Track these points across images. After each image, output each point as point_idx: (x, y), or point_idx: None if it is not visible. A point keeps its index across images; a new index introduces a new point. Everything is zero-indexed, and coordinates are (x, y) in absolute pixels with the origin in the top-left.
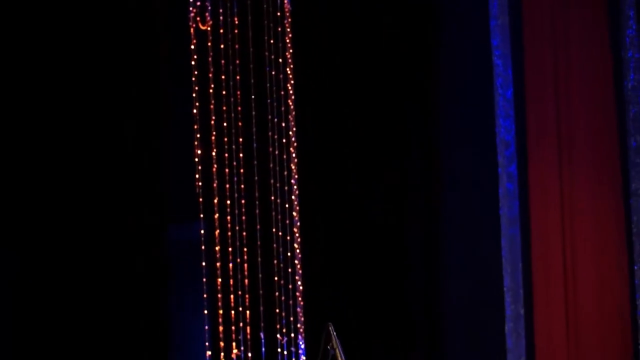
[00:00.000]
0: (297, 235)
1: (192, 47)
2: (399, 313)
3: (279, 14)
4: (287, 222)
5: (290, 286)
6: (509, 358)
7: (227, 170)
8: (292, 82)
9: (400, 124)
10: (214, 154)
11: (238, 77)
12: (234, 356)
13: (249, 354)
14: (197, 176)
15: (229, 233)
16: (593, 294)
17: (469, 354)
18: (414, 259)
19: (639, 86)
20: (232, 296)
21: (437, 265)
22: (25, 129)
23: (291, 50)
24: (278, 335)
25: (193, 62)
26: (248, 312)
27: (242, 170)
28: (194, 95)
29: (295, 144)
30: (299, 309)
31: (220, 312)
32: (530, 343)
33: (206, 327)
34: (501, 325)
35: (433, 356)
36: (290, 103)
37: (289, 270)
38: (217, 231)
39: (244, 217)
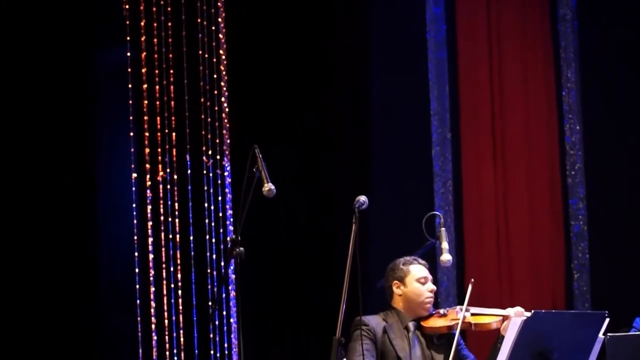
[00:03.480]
0: (223, 57)
1: None
2: (326, 137)
3: None
4: (214, 44)
5: (216, 108)
6: (436, 182)
7: None
8: None
9: None
10: None
11: None
12: (159, 178)
13: (175, 176)
14: None
15: (156, 55)
16: (520, 117)
17: (399, 185)
18: (339, 84)
19: None
20: (158, 118)
21: (364, 90)
22: None
23: None
24: (204, 158)
25: None
26: (174, 134)
27: None
28: None
29: None
30: (224, 132)
31: (147, 134)
32: (457, 167)
33: (132, 150)
34: (428, 149)
35: (359, 184)
36: None
37: (215, 92)
38: (144, 54)
39: (170, 40)
